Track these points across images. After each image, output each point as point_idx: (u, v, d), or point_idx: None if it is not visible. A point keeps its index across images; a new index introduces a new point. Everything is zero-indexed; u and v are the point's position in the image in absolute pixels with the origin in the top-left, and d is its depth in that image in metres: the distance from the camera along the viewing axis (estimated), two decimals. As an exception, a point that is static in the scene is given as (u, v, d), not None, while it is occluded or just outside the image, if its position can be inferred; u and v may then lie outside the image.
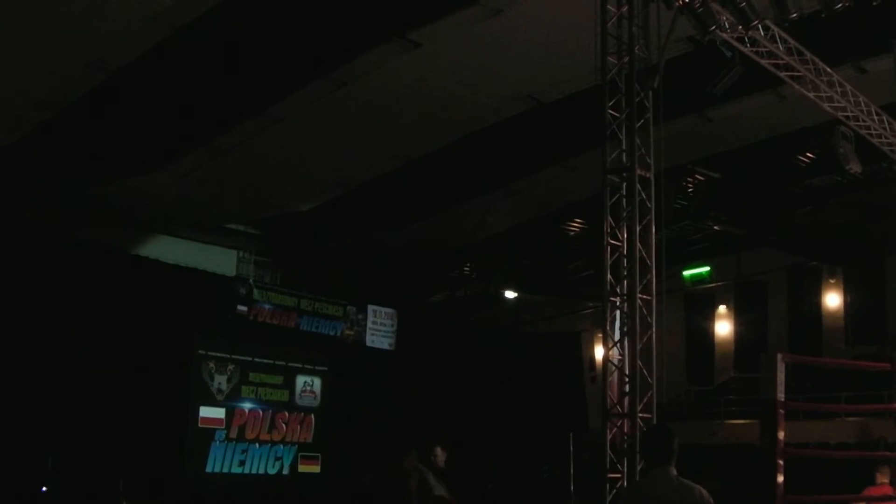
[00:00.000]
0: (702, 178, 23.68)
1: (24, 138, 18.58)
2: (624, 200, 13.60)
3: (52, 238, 20.09)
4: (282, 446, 24.61)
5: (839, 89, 15.81)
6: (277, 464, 24.50)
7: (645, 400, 13.41)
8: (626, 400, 13.56)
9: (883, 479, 16.78)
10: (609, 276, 13.53)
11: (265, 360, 24.40)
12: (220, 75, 17.42)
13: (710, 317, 32.18)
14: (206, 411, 23.23)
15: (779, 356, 11.77)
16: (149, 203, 21.64)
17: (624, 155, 13.68)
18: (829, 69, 15.39)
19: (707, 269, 30.31)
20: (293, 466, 24.85)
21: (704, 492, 8.11)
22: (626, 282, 13.59)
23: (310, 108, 18.48)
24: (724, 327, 32.09)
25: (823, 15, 13.53)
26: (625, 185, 13.65)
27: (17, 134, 18.52)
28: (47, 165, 19.94)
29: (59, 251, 19.96)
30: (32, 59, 16.06)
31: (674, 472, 8.24)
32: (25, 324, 19.21)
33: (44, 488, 18.97)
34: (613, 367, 13.77)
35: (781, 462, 11.58)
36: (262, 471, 24.12)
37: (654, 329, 13.46)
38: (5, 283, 18.94)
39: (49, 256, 19.70)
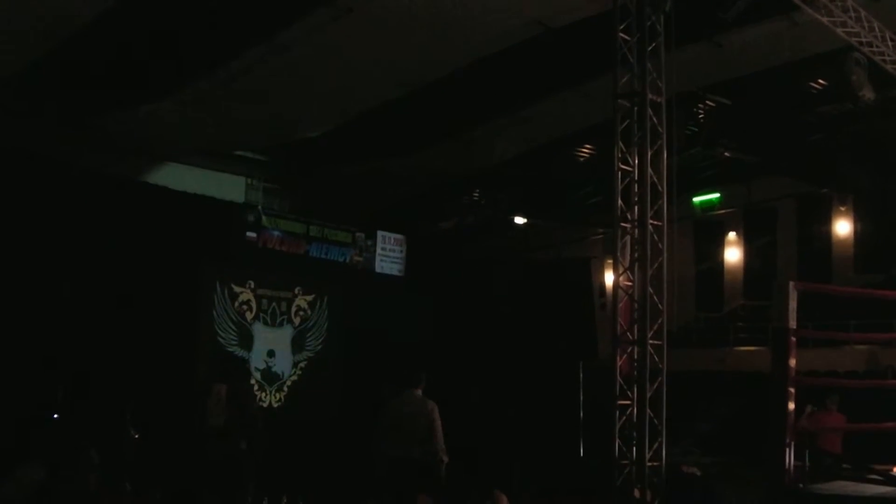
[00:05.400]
0: (713, 104, 23.53)
1: (28, 68, 18.45)
2: (635, 126, 13.54)
3: (57, 167, 19.99)
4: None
5: (853, 14, 15.64)
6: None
7: (655, 327, 13.44)
8: (636, 327, 13.58)
9: (832, 406, 17.12)
10: (620, 202, 13.50)
11: (275, 286, 24.52)
12: (226, 2, 17.28)
13: (720, 244, 32.20)
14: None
15: (791, 284, 11.74)
16: (156, 131, 21.50)
17: (635, 80, 13.60)
18: (843, -6, 15.25)
19: (717, 195, 30.19)
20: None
21: (431, 403, 12.57)
22: (636, 208, 13.56)
23: (317, 34, 18.32)
24: (733, 254, 32.12)
25: (839, -63, 13.38)
26: (636, 110, 13.57)
27: (19, 64, 18.40)
28: (51, 95, 19.81)
29: (65, 180, 19.87)
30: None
31: (419, 393, 12.67)
32: (32, 254, 19.16)
33: (55, 415, 19.03)
34: (624, 294, 13.78)
35: (793, 390, 11.61)
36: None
37: (664, 256, 13.45)
38: (11, 214, 18.89)
39: (54, 185, 19.61)
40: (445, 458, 12.47)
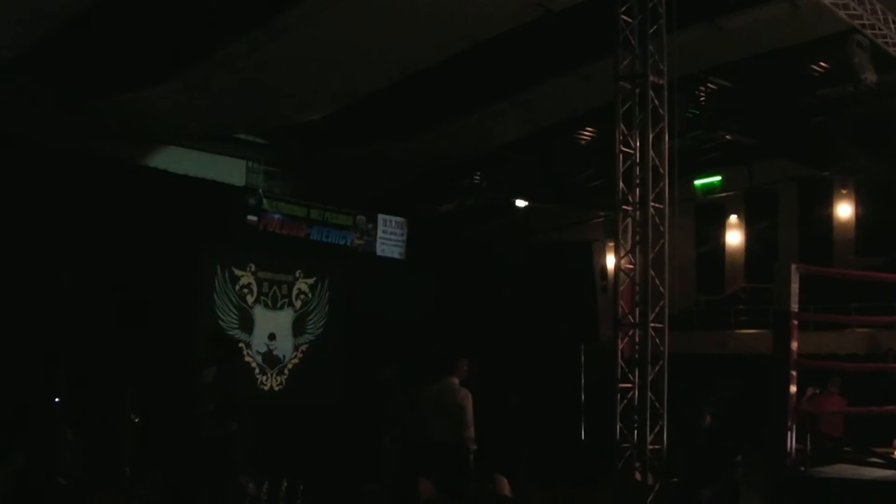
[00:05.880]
0: (714, 87, 23.48)
1: (26, 52, 18.38)
2: (637, 109, 13.50)
3: (53, 153, 19.93)
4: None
5: (856, -4, 15.62)
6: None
7: (657, 310, 13.42)
8: (638, 310, 13.56)
9: (834, 389, 17.09)
10: (621, 184, 13.48)
11: (275, 269, 24.51)
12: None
13: (721, 227, 32.14)
14: (216, 320, 23.34)
15: (793, 267, 11.74)
16: (153, 115, 21.46)
17: (636, 62, 13.56)
18: (845, -25, 15.19)
19: (718, 178, 30.14)
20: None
21: (464, 391, 12.62)
22: (638, 191, 13.53)
23: (316, 17, 18.26)
24: (734, 237, 32.06)
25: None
26: (637, 92, 13.54)
27: (17, 48, 18.33)
28: (48, 80, 19.74)
29: (62, 165, 19.81)
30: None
31: (455, 381, 12.70)
32: (31, 241, 19.11)
33: (56, 399, 19.01)
34: (625, 277, 13.76)
35: (794, 373, 11.60)
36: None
37: (666, 238, 13.43)
38: (9, 202, 18.83)
39: (52, 171, 19.54)
40: (473, 447, 12.45)
